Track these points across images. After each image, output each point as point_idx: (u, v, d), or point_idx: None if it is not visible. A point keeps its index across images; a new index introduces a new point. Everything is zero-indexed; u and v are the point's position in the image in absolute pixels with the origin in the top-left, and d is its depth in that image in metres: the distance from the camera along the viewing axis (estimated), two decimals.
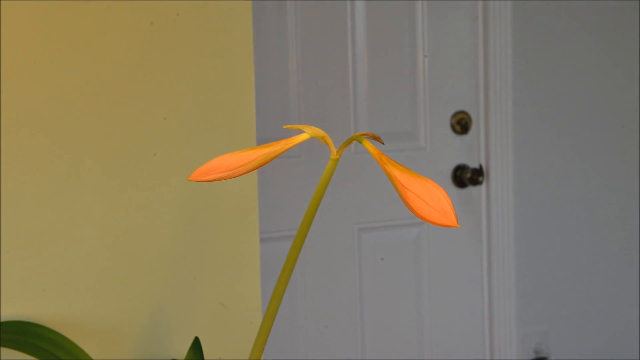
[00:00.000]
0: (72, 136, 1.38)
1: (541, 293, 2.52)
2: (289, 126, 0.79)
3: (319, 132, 0.76)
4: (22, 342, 1.29)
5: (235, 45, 1.50)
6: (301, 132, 0.79)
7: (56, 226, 1.38)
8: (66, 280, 1.39)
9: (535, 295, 2.51)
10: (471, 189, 2.38)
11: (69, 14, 1.36)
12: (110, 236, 1.42)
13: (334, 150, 0.78)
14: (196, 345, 1.27)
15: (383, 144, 0.74)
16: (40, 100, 1.36)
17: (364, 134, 0.76)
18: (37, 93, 1.35)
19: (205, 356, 1.37)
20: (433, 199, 0.72)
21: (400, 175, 0.74)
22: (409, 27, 2.27)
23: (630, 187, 2.62)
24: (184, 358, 1.43)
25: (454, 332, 2.41)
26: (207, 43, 1.48)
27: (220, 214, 1.51)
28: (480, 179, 2.35)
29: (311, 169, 2.14)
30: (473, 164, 2.37)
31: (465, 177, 2.35)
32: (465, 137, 2.36)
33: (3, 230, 1.34)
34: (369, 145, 0.76)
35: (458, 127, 2.34)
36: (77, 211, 1.39)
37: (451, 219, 0.71)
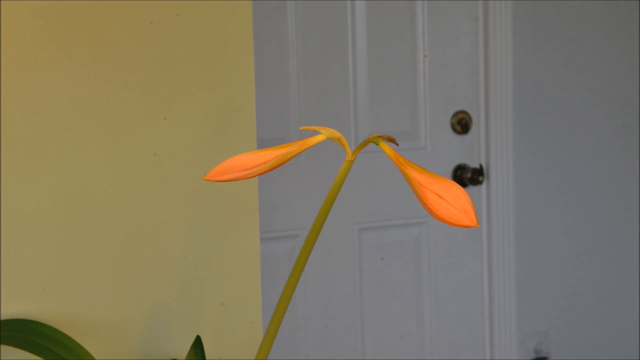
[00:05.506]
0: (72, 136, 1.38)
1: (541, 293, 2.52)
2: (305, 127, 0.78)
3: (335, 133, 0.76)
4: (23, 340, 1.29)
5: (235, 45, 1.50)
6: (316, 133, 0.78)
7: (56, 226, 1.38)
8: (66, 280, 1.39)
9: (535, 295, 2.50)
10: (471, 189, 2.38)
11: (69, 14, 1.36)
12: (110, 236, 1.42)
13: (349, 151, 0.78)
14: (197, 344, 1.27)
15: (398, 145, 0.74)
16: (40, 100, 1.35)
17: (379, 136, 0.76)
18: (37, 93, 1.35)
19: (206, 356, 1.37)
20: (454, 197, 0.71)
21: (419, 176, 0.73)
22: (409, 27, 2.27)
23: (630, 187, 2.62)
24: (184, 357, 1.42)
25: (454, 332, 2.41)
26: (207, 43, 1.47)
27: (221, 214, 1.51)
28: (481, 178, 2.34)
29: (312, 168, 2.14)
30: (473, 164, 2.37)
31: (466, 177, 2.35)
32: (466, 137, 2.36)
33: (3, 230, 1.33)
34: (385, 146, 0.76)
35: (458, 127, 2.34)
36: (77, 211, 1.39)
37: (472, 218, 0.70)
